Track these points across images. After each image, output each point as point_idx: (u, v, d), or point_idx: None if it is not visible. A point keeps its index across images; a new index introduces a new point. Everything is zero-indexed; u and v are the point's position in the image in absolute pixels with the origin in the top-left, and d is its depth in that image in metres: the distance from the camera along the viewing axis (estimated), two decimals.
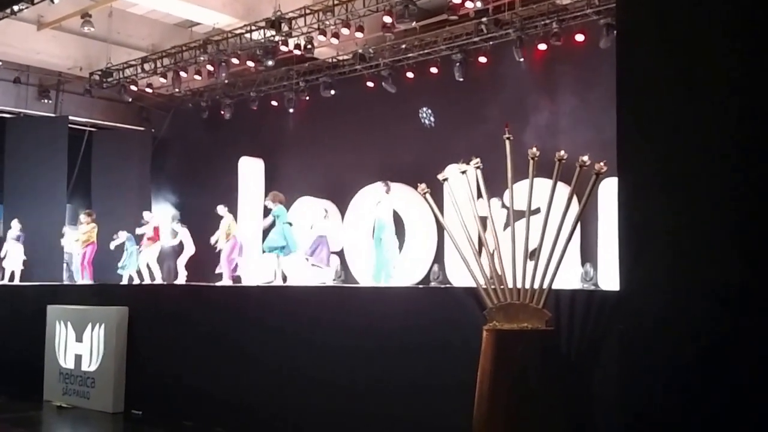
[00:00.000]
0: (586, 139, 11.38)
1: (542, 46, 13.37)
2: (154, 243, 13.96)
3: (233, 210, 14.13)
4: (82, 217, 14.69)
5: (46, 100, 18.71)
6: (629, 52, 5.77)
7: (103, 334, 9.83)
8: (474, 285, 6.17)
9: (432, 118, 14.60)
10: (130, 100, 18.09)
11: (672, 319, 5.14)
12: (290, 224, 11.88)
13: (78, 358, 10.10)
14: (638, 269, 5.43)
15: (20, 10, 14.39)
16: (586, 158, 5.78)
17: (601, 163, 5.77)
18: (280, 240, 11.56)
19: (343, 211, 15.75)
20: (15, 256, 15.00)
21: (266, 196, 12.72)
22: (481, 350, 5.86)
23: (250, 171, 17.58)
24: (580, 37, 12.98)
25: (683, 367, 5.07)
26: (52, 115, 18.79)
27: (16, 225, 15.22)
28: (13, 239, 15.09)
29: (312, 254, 12.77)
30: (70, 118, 18.62)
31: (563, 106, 13.30)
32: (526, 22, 13.33)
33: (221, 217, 13.36)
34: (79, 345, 10.13)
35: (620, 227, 5.59)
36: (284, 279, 12.51)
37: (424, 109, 14.60)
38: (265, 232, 12.50)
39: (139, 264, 14.00)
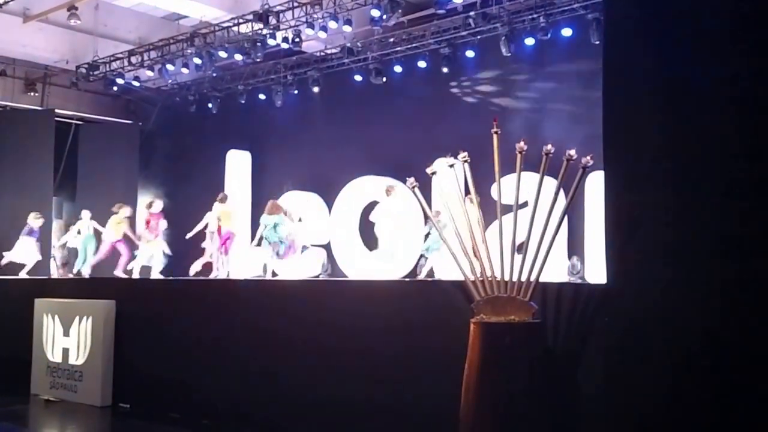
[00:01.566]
0: (574, 133, 11.44)
1: (530, 41, 13.41)
2: (157, 237, 13.82)
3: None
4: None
5: (32, 93, 18.64)
6: (616, 46, 5.81)
7: (90, 328, 9.80)
8: (461, 278, 6.19)
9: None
10: (115, 88, 17.97)
11: (657, 311, 5.18)
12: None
13: (65, 352, 10.07)
14: (624, 263, 5.47)
15: (6, 3, 14.33)
16: (573, 152, 5.80)
17: (588, 157, 5.79)
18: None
19: (330, 205, 15.75)
20: (25, 250, 14.90)
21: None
22: (468, 343, 5.88)
23: (238, 164, 17.57)
24: (567, 32, 13.03)
25: (668, 359, 5.11)
26: (39, 108, 18.70)
27: (32, 220, 15.08)
28: (24, 234, 14.97)
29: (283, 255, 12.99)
30: (57, 111, 18.51)
31: (550, 100, 13.37)
32: (514, 16, 13.38)
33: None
34: (66, 339, 10.09)
35: (606, 221, 5.64)
36: (269, 273, 12.60)
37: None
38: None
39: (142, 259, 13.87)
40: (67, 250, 15.79)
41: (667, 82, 5.30)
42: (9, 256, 14.75)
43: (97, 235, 14.80)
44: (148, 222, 13.69)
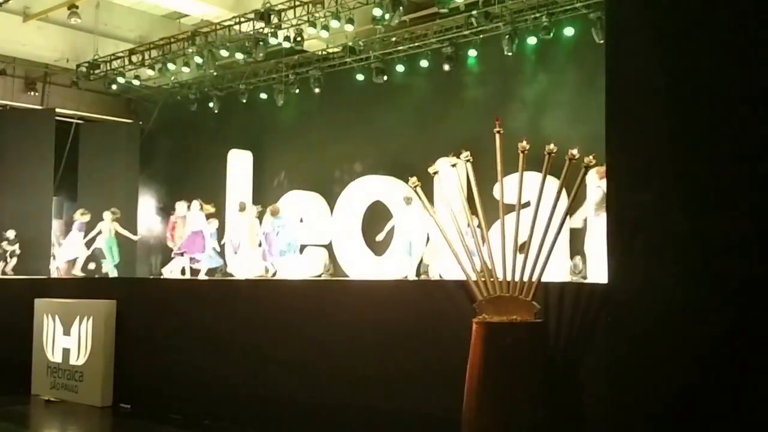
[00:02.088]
0: (576, 132, 11.40)
1: (532, 40, 13.38)
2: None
3: (221, 203, 14.02)
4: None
5: (32, 93, 18.61)
6: (618, 44, 5.75)
7: (91, 328, 9.75)
8: (463, 278, 6.16)
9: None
10: (114, 87, 17.91)
11: (659, 310, 5.14)
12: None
13: (66, 352, 10.02)
14: (626, 262, 5.43)
15: (6, 1, 14.29)
16: (575, 151, 5.76)
17: (590, 157, 5.75)
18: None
19: (331, 205, 15.72)
20: (74, 245, 14.95)
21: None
22: (470, 343, 5.84)
23: (239, 164, 17.55)
24: (569, 31, 12.99)
25: (671, 358, 5.08)
26: (39, 107, 18.68)
27: (78, 216, 15.11)
28: (76, 229, 15.00)
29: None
30: (57, 110, 18.49)
31: (553, 100, 13.33)
32: (516, 15, 13.35)
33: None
34: (66, 339, 10.05)
35: (609, 220, 5.60)
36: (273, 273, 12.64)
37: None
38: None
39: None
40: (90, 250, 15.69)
41: (672, 79, 5.25)
42: (62, 256, 14.76)
43: (119, 236, 14.86)
44: (173, 226, 13.70)
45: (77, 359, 9.89)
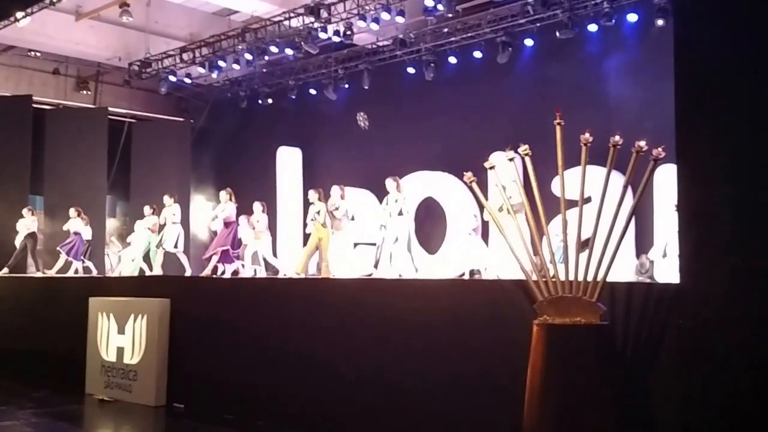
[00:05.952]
0: (642, 124, 10.98)
1: (592, 27, 12.92)
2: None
3: (271, 200, 13.83)
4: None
5: (85, 92, 18.81)
6: (688, 30, 5.49)
7: (145, 327, 9.74)
8: (522, 277, 5.91)
9: (366, 122, 14.09)
10: (163, 89, 17.96)
11: (736, 313, 4.91)
12: None
13: (120, 351, 10.03)
14: (699, 261, 5.19)
15: (59, 1, 14.38)
16: (643, 143, 5.47)
17: (659, 149, 5.46)
18: None
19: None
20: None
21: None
22: (530, 346, 5.61)
23: (289, 161, 17.50)
24: (633, 17, 12.53)
25: (748, 365, 4.82)
26: (92, 106, 18.91)
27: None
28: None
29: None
30: (110, 109, 18.67)
31: (616, 90, 12.82)
32: (575, 1, 12.91)
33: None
34: (121, 337, 10.05)
35: (680, 217, 5.34)
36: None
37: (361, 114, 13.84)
38: None
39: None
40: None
41: (745, 67, 4.99)
42: (127, 254, 14.69)
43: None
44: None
45: (131, 358, 9.89)
